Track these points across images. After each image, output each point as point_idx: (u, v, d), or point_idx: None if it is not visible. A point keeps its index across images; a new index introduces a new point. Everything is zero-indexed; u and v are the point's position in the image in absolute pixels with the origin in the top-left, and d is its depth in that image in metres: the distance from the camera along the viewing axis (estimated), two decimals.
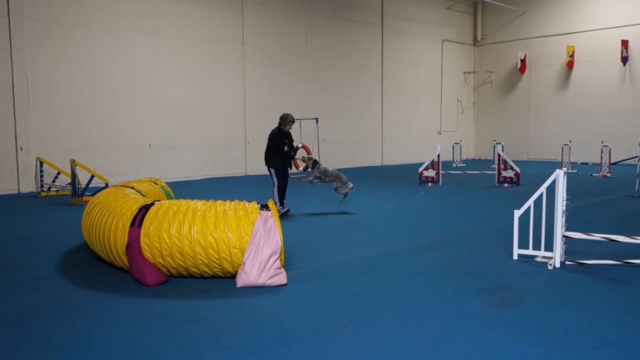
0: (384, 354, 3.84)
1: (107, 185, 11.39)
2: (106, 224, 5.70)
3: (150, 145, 15.69)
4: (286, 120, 9.74)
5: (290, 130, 9.99)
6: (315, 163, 10.05)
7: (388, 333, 4.20)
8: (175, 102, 16.15)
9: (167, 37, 15.89)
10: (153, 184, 7.90)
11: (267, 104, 18.29)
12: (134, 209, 5.61)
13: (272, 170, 9.80)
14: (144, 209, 5.58)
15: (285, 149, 9.84)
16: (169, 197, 7.89)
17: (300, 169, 16.84)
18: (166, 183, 8.56)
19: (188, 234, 5.31)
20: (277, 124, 9.82)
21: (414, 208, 10.79)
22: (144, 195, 6.84)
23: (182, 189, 12.77)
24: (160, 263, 5.45)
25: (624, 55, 21.46)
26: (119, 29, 14.97)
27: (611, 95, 22.15)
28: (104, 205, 6.03)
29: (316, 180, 9.93)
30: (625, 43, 21.36)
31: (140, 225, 5.44)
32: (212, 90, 16.99)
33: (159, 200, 5.90)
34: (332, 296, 5.13)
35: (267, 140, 9.90)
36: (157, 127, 15.80)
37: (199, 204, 5.66)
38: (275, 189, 9.77)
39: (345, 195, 9.84)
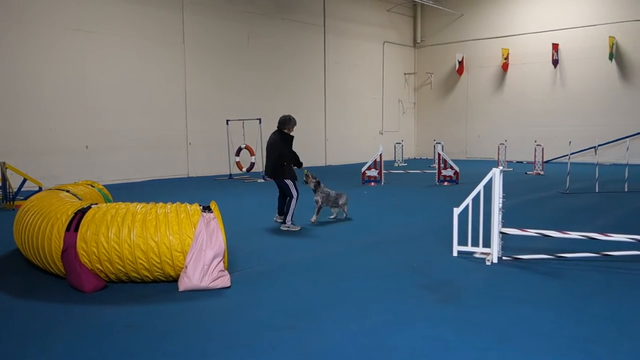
0: (330, 352, 3.85)
1: (40, 189, 10.93)
2: (40, 229, 5.46)
3: (86, 146, 15.16)
4: (289, 122, 8.55)
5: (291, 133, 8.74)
6: (318, 184, 8.88)
7: (333, 332, 4.22)
8: (113, 102, 15.67)
9: (103, 36, 15.40)
10: (90, 186, 7.63)
11: (209, 104, 18.06)
12: (70, 213, 5.40)
13: (290, 182, 8.37)
14: (81, 213, 5.38)
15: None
16: (107, 200, 7.65)
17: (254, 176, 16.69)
18: (104, 186, 8.29)
19: (127, 237, 5.15)
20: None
21: (357, 207, 10.88)
22: (80, 199, 6.60)
23: (121, 192, 12.41)
24: (98, 268, 5.26)
25: (554, 58, 22.45)
26: (52, 27, 14.39)
27: (543, 96, 23.13)
28: (37, 210, 5.77)
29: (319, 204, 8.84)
30: (555, 46, 22.36)
31: (76, 229, 5.24)
32: (151, 90, 16.60)
33: (97, 204, 5.70)
34: (277, 297, 5.11)
35: (267, 149, 8.65)
36: (94, 128, 15.28)
37: (138, 206, 5.50)
38: (294, 203, 8.35)
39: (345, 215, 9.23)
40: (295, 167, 8.63)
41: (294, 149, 8.59)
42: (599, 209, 10.26)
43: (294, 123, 8.60)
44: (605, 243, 6.34)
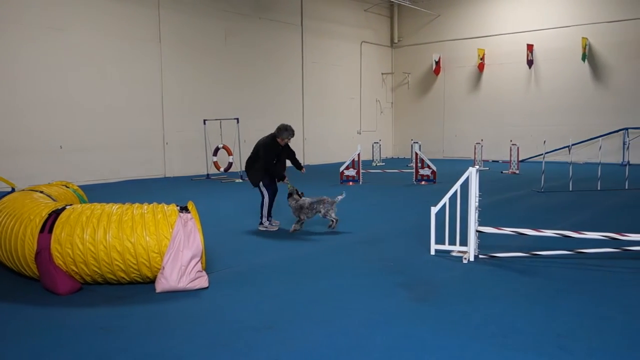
0: (308, 352, 3.86)
1: (13, 190, 10.73)
2: (13, 231, 5.36)
3: (60, 147, 14.91)
4: (283, 132, 8.10)
5: (283, 144, 8.24)
6: (291, 195, 8.19)
7: (311, 332, 4.23)
8: (87, 102, 15.44)
9: (77, 33, 15.17)
10: (64, 187, 7.51)
11: (186, 104, 17.91)
12: (44, 215, 5.31)
13: (260, 184, 8.25)
14: (55, 214, 5.29)
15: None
16: (82, 201, 7.54)
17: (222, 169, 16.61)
18: (79, 186, 8.17)
19: (103, 239, 5.09)
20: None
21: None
22: (54, 200, 6.49)
23: (97, 193, 12.24)
24: (73, 270, 5.19)
25: (529, 58, 22.77)
26: (25, 25, 14.12)
27: (518, 96, 23.46)
28: (10, 211, 5.66)
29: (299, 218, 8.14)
30: (530, 47, 22.68)
31: (50, 231, 5.15)
32: (127, 89, 16.40)
33: (71, 205, 5.62)
34: (255, 298, 5.10)
35: (253, 148, 8.38)
36: (68, 127, 15.04)
37: (114, 207, 5.44)
38: (266, 203, 8.26)
39: (336, 221, 8.10)
40: (279, 180, 8.33)
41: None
42: (572, 207, 10.44)
43: (289, 134, 8.14)
44: (579, 241, 6.47)
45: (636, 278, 5.62)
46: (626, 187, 12.81)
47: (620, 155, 20.51)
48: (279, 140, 8.15)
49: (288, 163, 8.62)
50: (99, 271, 5.18)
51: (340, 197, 8.11)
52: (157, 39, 17.12)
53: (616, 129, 20.85)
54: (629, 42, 20.60)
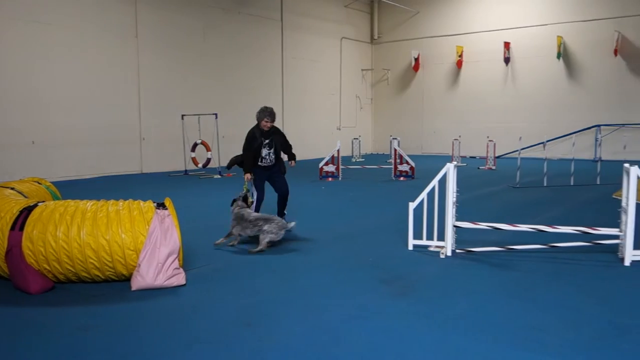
0: (287, 348, 3.85)
1: None
2: None
3: (33, 142, 14.62)
4: (259, 113, 7.50)
5: (268, 128, 7.54)
6: (235, 201, 7.07)
7: (291, 328, 4.22)
8: (62, 97, 15.15)
9: (52, 27, 14.87)
10: (37, 184, 7.36)
11: (164, 99, 17.72)
12: (15, 212, 5.20)
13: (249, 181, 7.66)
14: (26, 211, 5.18)
15: (265, 154, 7.61)
16: (55, 198, 7.40)
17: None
18: (52, 183, 8.02)
19: (77, 236, 5.00)
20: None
21: (315, 203, 10.90)
22: (26, 197, 6.36)
23: (71, 189, 12.04)
24: (45, 269, 5.10)
25: (506, 56, 23.02)
26: None
27: (495, 93, 23.70)
28: None
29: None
30: (507, 45, 22.92)
31: (21, 228, 5.04)
32: (103, 84, 16.15)
33: (44, 202, 5.52)
34: (234, 294, 5.07)
35: None
36: (41, 122, 14.74)
37: (89, 204, 5.35)
38: (254, 202, 7.54)
39: (261, 250, 6.58)
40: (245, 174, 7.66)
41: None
42: (547, 202, 10.59)
43: (264, 115, 7.44)
44: (553, 235, 6.56)
45: (607, 271, 5.73)
46: (598, 183, 13.04)
47: (593, 152, 20.87)
48: (262, 124, 7.54)
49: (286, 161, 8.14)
50: (72, 269, 5.10)
51: (292, 225, 6.91)
52: (134, 34, 16.89)
53: (589, 126, 21.21)
54: (602, 41, 20.92)
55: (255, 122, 7.73)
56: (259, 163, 7.66)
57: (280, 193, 7.91)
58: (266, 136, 7.62)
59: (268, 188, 8.00)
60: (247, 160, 7.65)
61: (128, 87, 16.83)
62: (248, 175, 7.62)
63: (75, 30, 15.40)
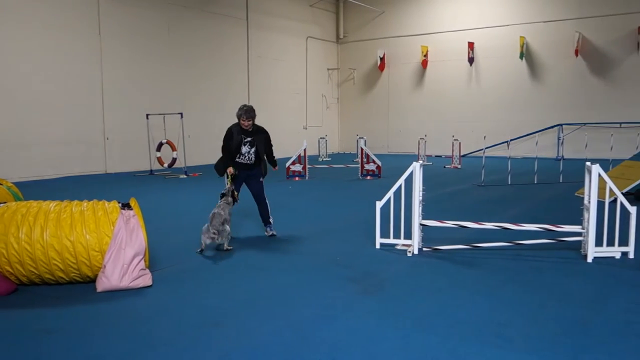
0: (255, 348, 3.84)
1: None
2: None
3: None
4: (237, 111, 7.25)
5: (246, 127, 7.23)
6: (224, 195, 7.10)
7: (258, 328, 4.21)
8: (22, 95, 14.75)
9: (12, 24, 14.46)
10: None
11: (128, 98, 17.42)
12: None
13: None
14: None
15: (244, 151, 7.26)
16: (17, 199, 7.20)
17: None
18: (14, 183, 7.81)
19: (40, 238, 4.89)
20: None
21: (281, 202, 10.88)
22: None
23: (33, 190, 11.75)
24: (7, 271, 4.96)
25: (470, 56, 23.39)
26: None
27: (460, 92, 24.07)
28: None
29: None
30: (471, 45, 23.30)
31: None
32: (65, 82, 15.78)
33: (5, 203, 5.38)
34: (201, 295, 5.03)
35: None
36: (1, 122, 14.33)
37: (52, 205, 5.23)
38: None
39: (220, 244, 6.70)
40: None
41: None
42: (511, 200, 10.82)
43: (241, 112, 7.18)
44: (517, 232, 6.71)
45: (570, 267, 5.89)
46: (560, 181, 13.38)
47: (555, 150, 21.41)
48: (241, 122, 7.25)
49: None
50: (36, 271, 4.97)
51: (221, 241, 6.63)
52: (97, 31, 16.55)
53: (551, 125, 21.74)
54: (564, 41, 21.47)
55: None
56: (237, 159, 7.36)
57: (254, 195, 7.62)
58: (247, 134, 7.31)
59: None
60: (225, 156, 7.40)
61: (91, 85, 16.50)
62: (231, 169, 7.32)
63: (35, 27, 15.00)
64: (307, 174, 15.01)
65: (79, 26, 16.09)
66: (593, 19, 21.01)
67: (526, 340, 3.94)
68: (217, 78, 20.75)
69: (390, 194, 6.59)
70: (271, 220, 7.63)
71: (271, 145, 7.66)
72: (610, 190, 6.13)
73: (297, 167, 14.89)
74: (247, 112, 7.23)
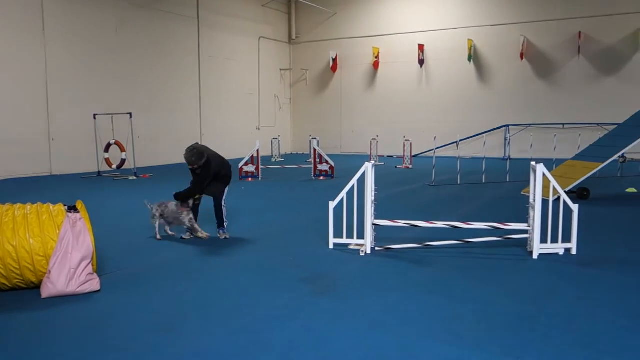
0: (209, 351, 3.79)
1: None
2: None
3: None
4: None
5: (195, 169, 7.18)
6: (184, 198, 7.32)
7: (212, 330, 4.16)
8: None
9: None
10: None
11: (74, 98, 16.90)
12: None
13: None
14: None
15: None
16: None
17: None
18: None
19: None
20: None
21: (234, 204, 10.78)
22: None
23: None
24: None
25: (420, 58, 23.82)
26: None
27: (411, 94, 24.48)
28: None
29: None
30: (421, 47, 23.73)
31: None
32: (6, 80, 15.16)
33: None
34: (153, 299, 4.92)
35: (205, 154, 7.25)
36: None
37: None
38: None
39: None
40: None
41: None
42: (460, 199, 11.07)
43: (187, 156, 7.07)
44: (467, 231, 6.88)
45: (517, 264, 6.07)
46: (507, 180, 13.79)
47: (503, 150, 22.05)
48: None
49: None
50: None
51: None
52: (41, 28, 15.98)
53: (499, 126, 22.38)
54: (510, 45, 22.15)
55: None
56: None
57: (213, 198, 7.43)
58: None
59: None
60: (196, 191, 7.27)
61: (34, 85, 15.92)
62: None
63: None
64: (260, 174, 14.94)
65: (22, 25, 15.50)
66: (537, 24, 21.77)
67: (476, 335, 4.04)
68: (168, 78, 20.38)
69: (343, 194, 6.63)
70: (225, 223, 7.54)
71: (197, 178, 7.29)
72: (554, 189, 6.35)
73: (250, 168, 14.80)
74: (185, 155, 7.08)
